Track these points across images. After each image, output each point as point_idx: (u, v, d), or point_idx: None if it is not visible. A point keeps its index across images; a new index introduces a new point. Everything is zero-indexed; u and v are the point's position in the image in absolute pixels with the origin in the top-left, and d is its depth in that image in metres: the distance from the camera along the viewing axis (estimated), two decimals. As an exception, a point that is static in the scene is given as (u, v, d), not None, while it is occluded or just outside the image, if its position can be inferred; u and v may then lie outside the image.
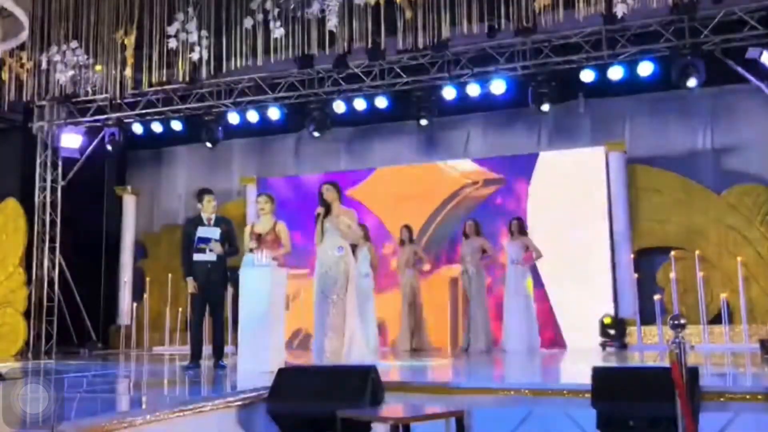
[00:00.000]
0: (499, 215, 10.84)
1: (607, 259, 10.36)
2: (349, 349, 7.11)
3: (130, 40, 9.26)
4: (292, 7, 8.43)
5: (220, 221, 7.60)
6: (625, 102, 10.93)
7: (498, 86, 10.28)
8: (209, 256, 7.34)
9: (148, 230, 13.41)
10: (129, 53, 9.30)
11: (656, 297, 9.87)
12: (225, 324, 7.90)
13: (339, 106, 11.04)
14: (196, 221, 7.58)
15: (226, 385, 6.02)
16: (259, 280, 6.86)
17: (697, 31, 9.28)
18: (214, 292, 7.46)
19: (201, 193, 7.67)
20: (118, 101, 11.41)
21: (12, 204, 11.63)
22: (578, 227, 10.51)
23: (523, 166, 11.06)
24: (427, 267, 10.70)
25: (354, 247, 9.44)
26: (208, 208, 7.58)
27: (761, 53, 9.07)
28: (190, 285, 7.39)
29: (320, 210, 7.32)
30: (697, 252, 9.91)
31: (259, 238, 7.33)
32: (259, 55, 8.77)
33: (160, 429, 4.03)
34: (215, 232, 7.40)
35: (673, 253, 10.06)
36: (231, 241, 7.50)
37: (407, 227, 10.70)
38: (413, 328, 10.28)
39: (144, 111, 11.80)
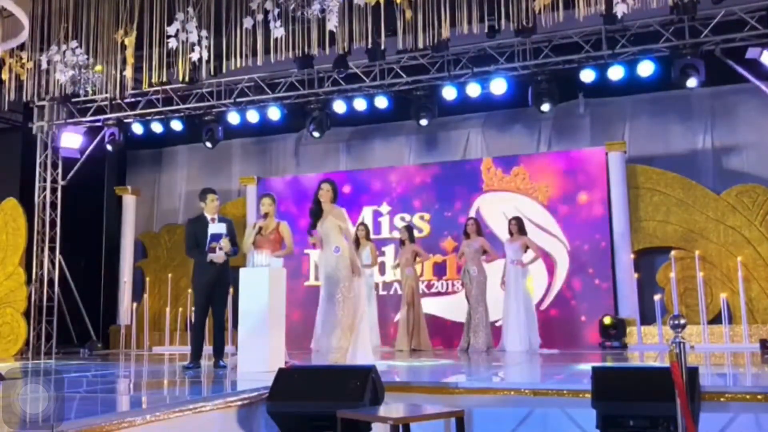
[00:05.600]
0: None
1: (607, 259, 10.36)
2: (354, 349, 7.10)
3: (130, 40, 9.23)
4: (292, 7, 8.41)
5: (221, 221, 7.62)
6: (625, 102, 10.94)
7: (498, 86, 10.27)
8: (220, 257, 7.35)
9: (148, 230, 13.41)
10: (129, 53, 9.27)
11: (656, 297, 9.88)
12: (225, 324, 7.90)
13: (339, 106, 11.04)
14: (201, 220, 7.60)
15: (226, 385, 6.01)
16: (259, 280, 6.86)
17: (697, 31, 9.27)
18: (219, 293, 7.50)
19: (204, 193, 7.70)
20: (118, 101, 11.41)
21: (12, 204, 11.63)
22: (578, 227, 10.54)
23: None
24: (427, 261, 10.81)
25: (356, 247, 9.48)
26: (210, 208, 7.60)
27: (761, 53, 9.07)
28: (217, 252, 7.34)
29: (312, 207, 7.35)
30: (697, 252, 9.91)
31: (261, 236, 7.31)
32: (259, 55, 8.75)
33: (160, 429, 4.03)
34: (223, 228, 7.47)
35: (673, 253, 10.07)
36: (232, 240, 7.53)
37: (407, 227, 10.70)
38: (413, 328, 10.28)
39: (144, 111, 11.80)
